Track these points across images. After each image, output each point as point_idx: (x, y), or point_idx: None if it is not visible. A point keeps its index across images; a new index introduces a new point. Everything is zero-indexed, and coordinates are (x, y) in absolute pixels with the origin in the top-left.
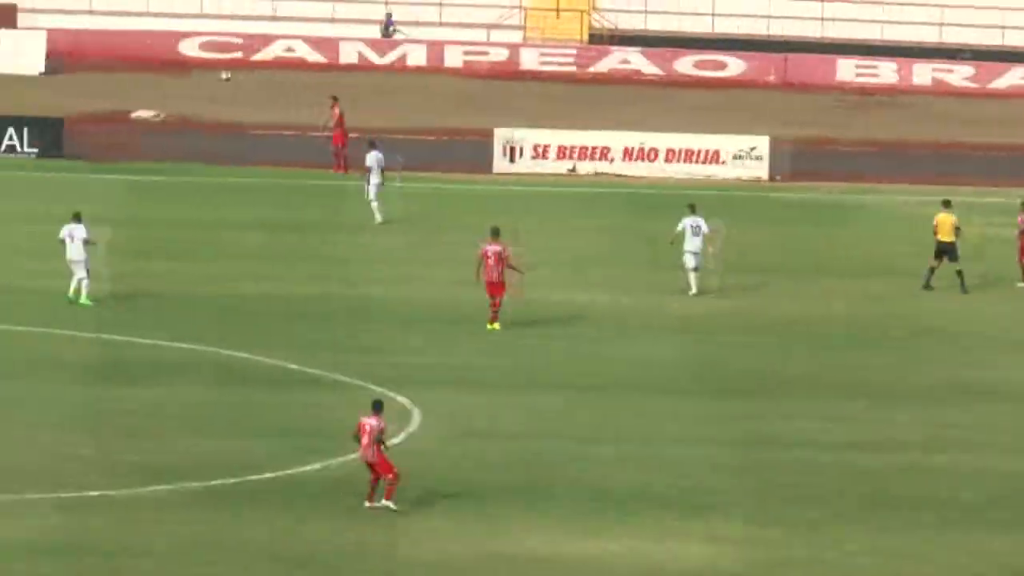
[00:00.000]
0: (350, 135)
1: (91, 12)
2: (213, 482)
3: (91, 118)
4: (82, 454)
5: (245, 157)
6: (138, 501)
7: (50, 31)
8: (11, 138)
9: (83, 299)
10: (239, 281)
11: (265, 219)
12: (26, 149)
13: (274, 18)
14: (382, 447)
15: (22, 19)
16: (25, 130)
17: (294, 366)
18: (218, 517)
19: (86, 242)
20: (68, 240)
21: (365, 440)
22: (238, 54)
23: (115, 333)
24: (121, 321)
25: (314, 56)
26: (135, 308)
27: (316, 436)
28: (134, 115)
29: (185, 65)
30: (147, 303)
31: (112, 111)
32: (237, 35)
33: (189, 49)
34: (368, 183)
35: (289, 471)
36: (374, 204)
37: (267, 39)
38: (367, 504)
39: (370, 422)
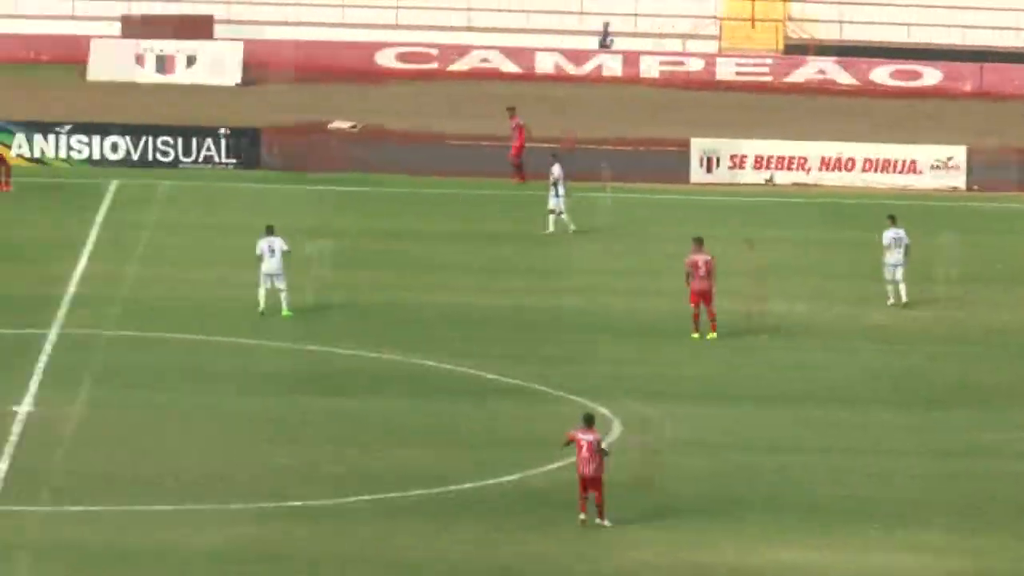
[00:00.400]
0: (538, 145)
1: (287, 23)
2: (413, 492)
3: (288, 129)
4: (283, 464)
5: (441, 167)
6: (339, 511)
7: (247, 42)
8: (209, 149)
9: (284, 311)
10: (437, 292)
11: (461, 229)
12: (224, 160)
13: (469, 28)
14: (604, 457)
15: (219, 30)
16: (223, 141)
17: (493, 376)
18: (418, 527)
19: (285, 254)
20: (267, 253)
21: (586, 454)
22: (433, 64)
23: (316, 344)
24: (321, 331)
25: (509, 66)
26: (335, 318)
27: (515, 447)
28: (331, 126)
29: (381, 76)
30: (347, 313)
31: (309, 122)
32: (432, 45)
33: (385, 60)
34: (555, 195)
35: (488, 481)
36: (563, 216)
37: (462, 49)
38: (581, 516)
39: (586, 437)
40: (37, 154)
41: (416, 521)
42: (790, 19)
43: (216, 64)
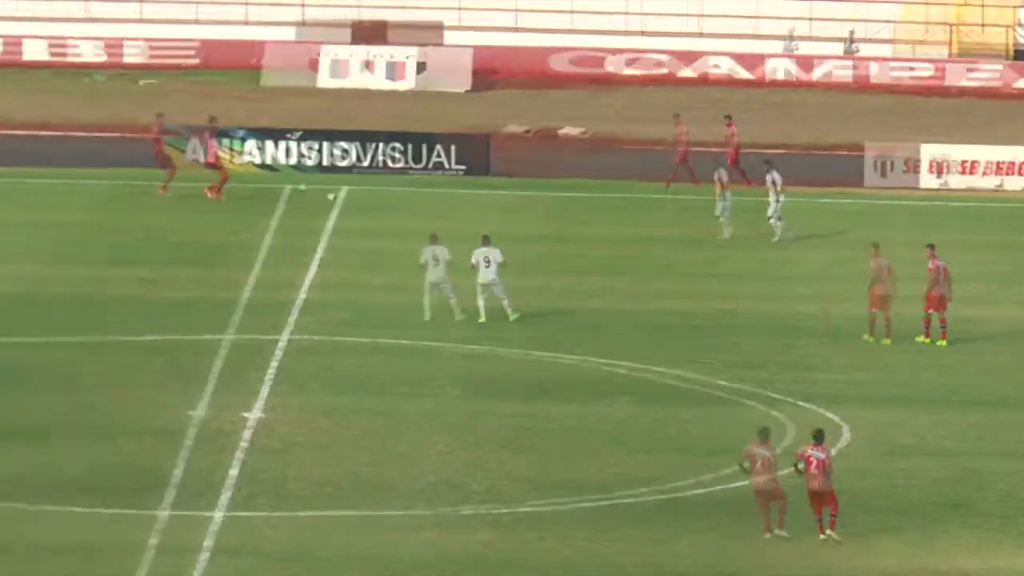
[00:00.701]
0: (744, 151)
1: (517, 29)
2: (641, 498)
3: (517, 135)
4: (513, 470)
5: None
6: (567, 517)
7: (477, 48)
8: (438, 155)
9: (510, 316)
10: (667, 298)
11: (691, 235)
12: (453, 166)
13: (700, 35)
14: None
15: (449, 36)
16: (452, 147)
17: (722, 382)
18: (646, 533)
19: (501, 265)
20: (483, 264)
21: (815, 471)
22: (663, 70)
23: (542, 350)
24: (547, 338)
25: (739, 72)
26: (562, 325)
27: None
28: (561, 132)
29: (611, 82)
30: (574, 320)
31: (539, 128)
32: (662, 51)
33: (615, 66)
34: (774, 202)
35: (716, 488)
36: (778, 223)
37: (692, 55)
38: (822, 536)
39: (817, 454)
40: (268, 160)
41: (644, 527)
42: (1020, 24)
43: (446, 70)
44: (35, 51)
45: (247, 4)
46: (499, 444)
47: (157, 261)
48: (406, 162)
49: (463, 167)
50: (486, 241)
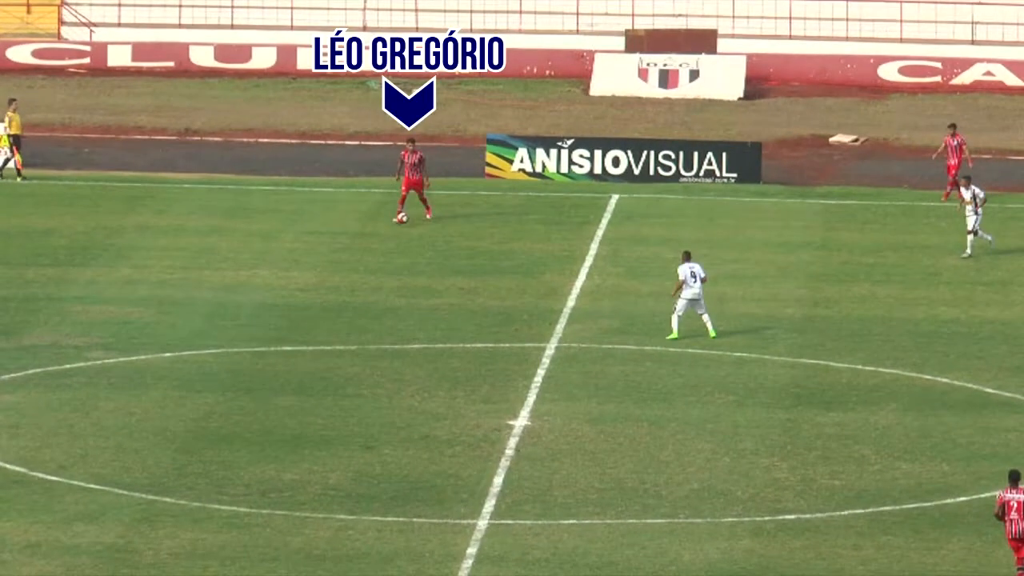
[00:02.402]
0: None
1: (790, 37)
2: (907, 506)
3: (789, 143)
4: (777, 477)
5: (941, 181)
6: (833, 525)
7: (750, 56)
8: (709, 163)
9: (712, 332)
10: (933, 305)
11: (959, 243)
12: (724, 174)
13: (972, 42)
14: None
15: (722, 44)
16: (724, 155)
17: (989, 389)
18: (910, 541)
19: (703, 280)
20: (690, 279)
21: (1015, 515)
22: (936, 78)
23: (808, 357)
24: (814, 345)
25: (1012, 79)
26: (828, 332)
27: (1014, 460)
28: (832, 139)
29: (882, 89)
30: (840, 327)
31: (811, 135)
32: (935, 59)
33: (887, 73)
34: (973, 214)
35: (983, 495)
36: (974, 238)
37: (965, 63)
38: None
39: (1016, 496)
40: (539, 168)
41: (908, 535)
42: None
43: (719, 78)
44: (309, 60)
45: (522, 12)
46: (764, 451)
47: (428, 270)
48: (677, 170)
49: (734, 175)
50: (688, 257)
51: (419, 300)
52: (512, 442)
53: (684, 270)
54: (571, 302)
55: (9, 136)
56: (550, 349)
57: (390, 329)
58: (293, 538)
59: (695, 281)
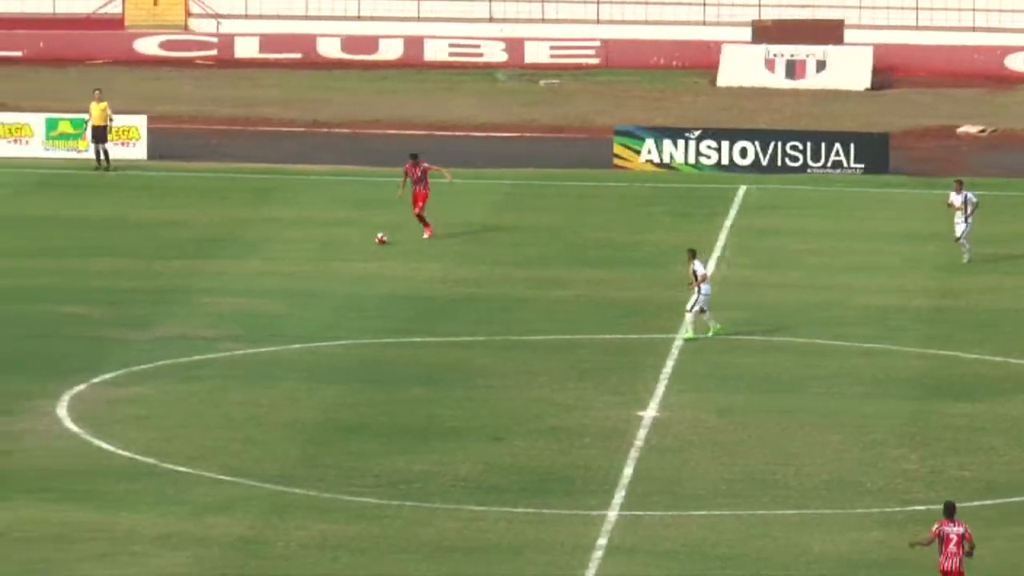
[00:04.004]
0: None
1: (917, 28)
2: None
3: (916, 133)
4: (907, 468)
5: None
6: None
7: (876, 46)
8: (837, 154)
9: (712, 328)
10: None
11: None
12: (851, 165)
13: None
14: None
15: (849, 35)
16: (851, 146)
17: None
18: None
19: (704, 278)
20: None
21: (953, 548)
22: None
23: (937, 348)
24: (943, 336)
25: None
26: (956, 323)
27: None
28: (959, 130)
29: (1010, 79)
30: (969, 318)
31: (938, 126)
32: None
33: (1015, 64)
34: (963, 223)
35: None
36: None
37: None
38: None
39: (956, 531)
40: (667, 159)
41: None
42: None
43: (846, 69)
44: (436, 51)
45: (648, 3)
46: (893, 442)
47: (556, 262)
48: (805, 160)
49: (861, 165)
50: (694, 254)
51: (547, 291)
52: (641, 433)
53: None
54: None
55: (93, 127)
56: (678, 340)
57: (519, 320)
58: (423, 529)
59: (703, 279)
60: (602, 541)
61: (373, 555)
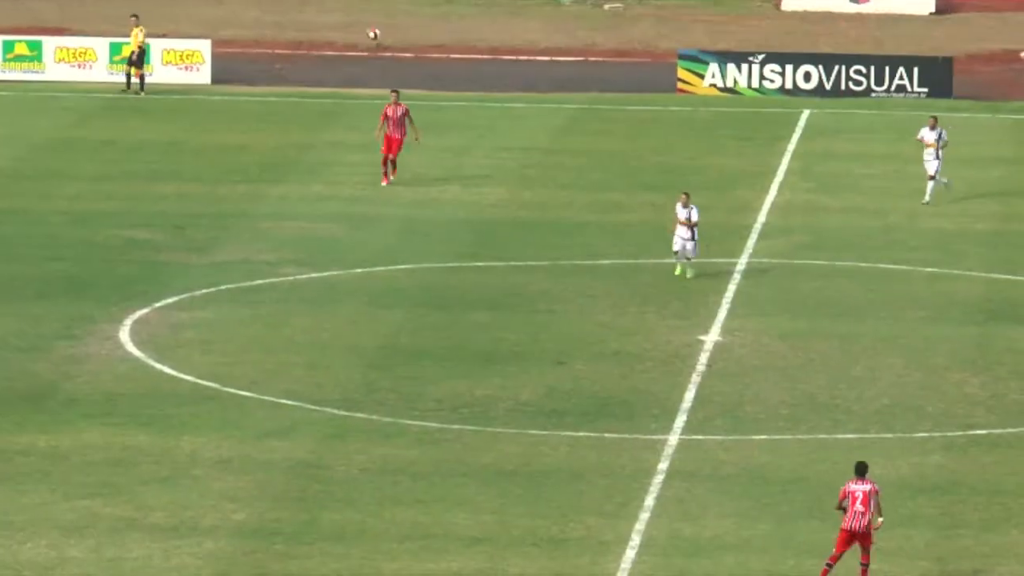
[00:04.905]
0: None
1: None
2: None
3: (980, 58)
4: (968, 393)
5: None
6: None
7: None
8: (900, 78)
9: (688, 272)
10: None
11: None
12: (915, 89)
13: None
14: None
15: None
16: (915, 70)
17: None
18: None
19: (695, 225)
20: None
21: (860, 507)
22: None
23: (1001, 272)
24: (1008, 260)
25: None
26: (1018, 247)
27: None
28: (1023, 54)
29: None
30: None
31: (1002, 50)
32: None
33: None
34: (934, 159)
35: None
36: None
37: None
38: None
39: (863, 488)
40: (730, 83)
41: None
42: None
43: None
44: None
45: None
46: (955, 367)
47: (619, 186)
48: (868, 84)
49: (925, 89)
50: (686, 197)
51: (610, 216)
52: (703, 358)
53: (681, 211)
54: (762, 217)
55: (133, 52)
56: (741, 264)
57: (581, 245)
58: (484, 454)
59: (690, 221)
60: (663, 465)
61: (434, 479)
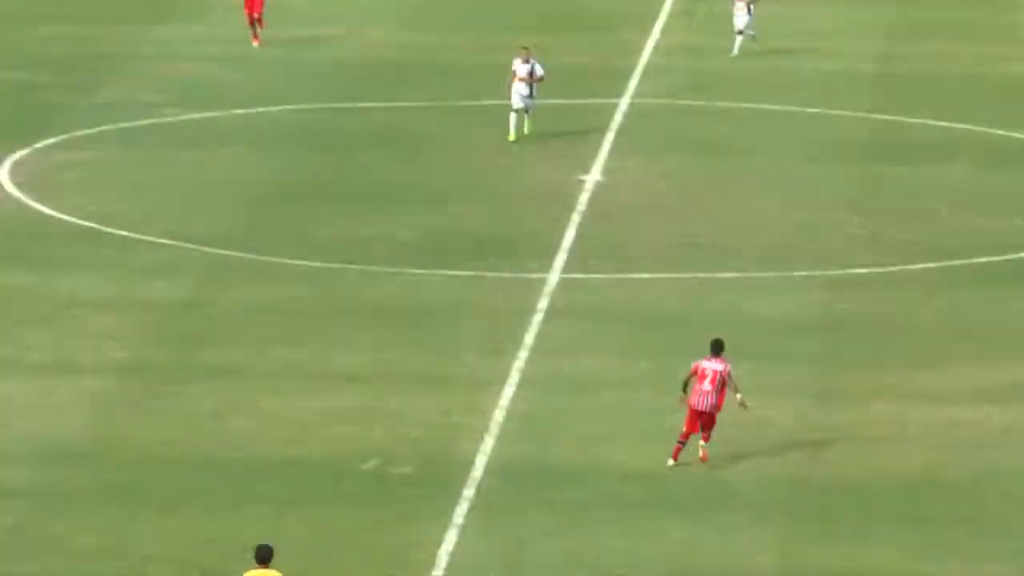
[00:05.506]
0: None
1: None
2: (979, 260)
3: None
4: (849, 232)
5: None
6: (904, 279)
7: None
8: None
9: (528, 127)
10: (1012, 62)
11: None
12: None
13: None
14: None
15: None
16: None
17: None
18: (988, 294)
19: (540, 79)
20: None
21: (708, 387)
22: None
23: (884, 113)
24: (889, 100)
25: None
26: (905, 88)
27: None
28: None
29: None
30: (918, 83)
31: None
32: None
33: None
34: (745, 13)
35: None
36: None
37: None
38: (670, 463)
39: (715, 367)
40: None
41: (980, 289)
42: None
43: None
44: None
45: None
46: (835, 206)
47: (500, 28)
48: None
49: None
50: (527, 52)
51: (491, 57)
52: (584, 198)
53: (520, 67)
54: (644, 58)
55: None
56: (623, 105)
57: (462, 87)
58: (366, 292)
59: (529, 78)
60: (543, 304)
61: (315, 318)
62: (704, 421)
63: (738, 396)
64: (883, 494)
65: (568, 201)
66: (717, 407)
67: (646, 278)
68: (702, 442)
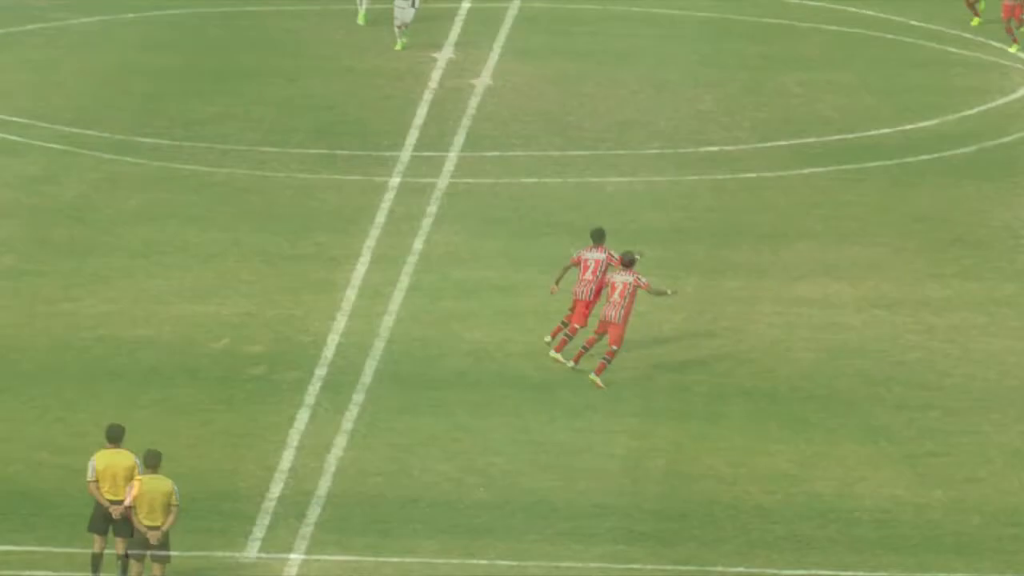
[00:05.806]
0: None
1: None
2: (832, 138)
3: None
4: (701, 110)
5: None
6: (757, 157)
7: None
8: None
9: (400, 44)
10: None
11: None
12: None
13: None
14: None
15: None
16: None
17: (916, 22)
18: (834, 174)
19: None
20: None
21: (589, 276)
22: None
23: None
24: None
25: None
26: None
27: (933, 92)
28: None
29: None
30: None
31: None
32: None
33: None
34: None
35: (906, 127)
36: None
37: None
38: (572, 364)
39: (596, 256)
40: None
41: (832, 166)
42: None
43: None
44: None
45: None
46: (688, 83)
47: None
48: None
49: None
50: None
51: None
52: (435, 75)
53: None
54: None
55: None
56: (513, 10)
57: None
58: (217, 170)
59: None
60: (395, 182)
61: (164, 194)
62: (601, 328)
63: (668, 291)
64: (731, 372)
65: (421, 79)
66: (595, 299)
67: (498, 155)
68: (601, 363)
